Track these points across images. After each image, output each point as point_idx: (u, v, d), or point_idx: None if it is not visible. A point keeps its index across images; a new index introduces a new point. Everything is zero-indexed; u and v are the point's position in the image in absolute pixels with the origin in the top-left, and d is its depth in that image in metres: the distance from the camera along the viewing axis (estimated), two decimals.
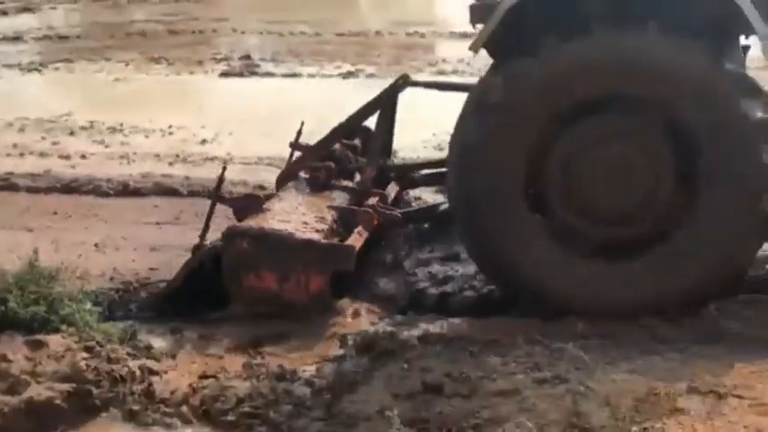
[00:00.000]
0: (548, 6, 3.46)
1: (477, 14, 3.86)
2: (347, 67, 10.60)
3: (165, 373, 3.34)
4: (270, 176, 6.18)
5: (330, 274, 3.75)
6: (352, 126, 4.55)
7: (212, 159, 6.81)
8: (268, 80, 10.27)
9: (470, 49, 3.68)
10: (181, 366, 3.44)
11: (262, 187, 5.69)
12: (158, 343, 3.64)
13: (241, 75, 10.48)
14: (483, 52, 3.74)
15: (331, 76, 10.33)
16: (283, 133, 6.77)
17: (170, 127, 7.83)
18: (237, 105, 8.72)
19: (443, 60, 11.07)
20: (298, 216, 4.03)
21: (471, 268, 4.17)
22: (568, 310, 3.61)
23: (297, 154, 4.62)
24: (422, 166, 5.21)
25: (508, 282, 3.75)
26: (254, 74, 10.54)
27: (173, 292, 3.91)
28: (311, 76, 10.34)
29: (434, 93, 5.29)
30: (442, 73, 10.24)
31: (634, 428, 2.78)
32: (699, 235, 3.60)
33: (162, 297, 3.98)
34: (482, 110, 3.60)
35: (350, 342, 3.53)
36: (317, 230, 3.92)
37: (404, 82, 4.40)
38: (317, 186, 4.37)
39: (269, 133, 7.25)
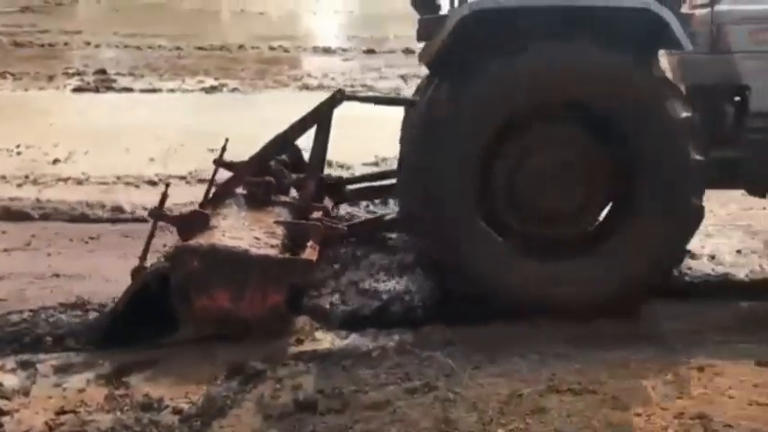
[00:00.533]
0: (489, 23, 3.60)
1: (424, 30, 3.97)
2: (210, 82, 10.42)
3: (17, 411, 3.10)
4: (128, 197, 5.96)
5: (287, 290, 3.66)
6: (286, 142, 4.45)
7: (66, 180, 6.44)
8: (125, 95, 9.91)
9: (421, 61, 3.91)
10: (35, 403, 3.20)
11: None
12: (9, 380, 3.37)
13: (96, 90, 10.05)
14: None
15: (193, 90, 10.10)
16: (142, 150, 6.54)
17: (18, 146, 7.35)
18: (92, 122, 8.33)
19: (308, 75, 11.12)
20: (247, 232, 3.86)
21: (405, 282, 4.24)
22: (518, 307, 3.76)
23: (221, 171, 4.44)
24: (356, 180, 5.32)
25: (465, 283, 3.83)
26: (110, 89, 10.13)
27: (115, 319, 3.61)
28: (171, 90, 10.07)
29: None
30: (306, 87, 10.29)
31: (500, 430, 2.88)
32: (632, 236, 3.85)
33: (103, 326, 3.66)
34: (429, 124, 3.75)
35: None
36: (272, 246, 3.77)
37: (340, 96, 4.38)
38: (258, 202, 4.20)
39: (127, 151, 6.98)
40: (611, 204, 4.06)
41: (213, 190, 4.27)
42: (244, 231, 3.87)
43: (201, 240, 3.68)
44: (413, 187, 3.85)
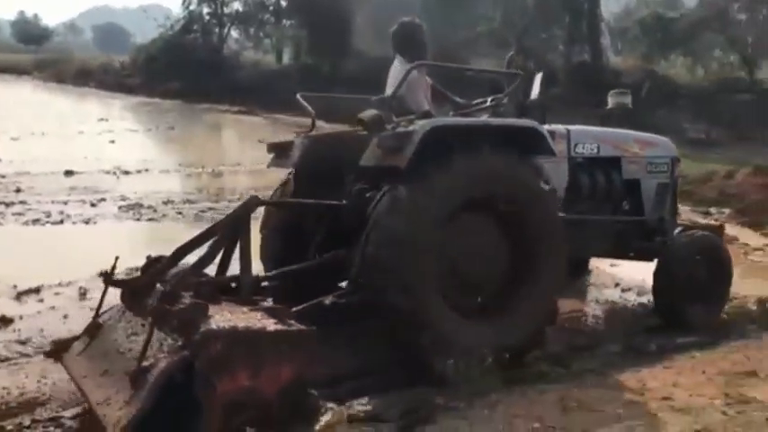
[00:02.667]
0: (443, 135, 4.55)
1: (277, 154, 5.43)
2: None
3: None
4: None
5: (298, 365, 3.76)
6: (194, 247, 4.62)
7: None
8: None
9: (399, 163, 4.43)
10: None
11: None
12: None
13: None
14: None
15: None
16: None
17: None
18: None
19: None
20: (243, 316, 3.94)
21: None
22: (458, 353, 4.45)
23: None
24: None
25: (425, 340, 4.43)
26: None
27: (141, 418, 3.45)
28: None
29: None
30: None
31: None
32: (524, 300, 4.79)
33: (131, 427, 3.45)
34: (393, 215, 4.42)
35: None
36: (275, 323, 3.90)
37: (256, 202, 4.71)
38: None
39: None
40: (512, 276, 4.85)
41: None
42: (238, 314, 3.95)
43: (216, 325, 3.70)
44: (385, 275, 4.36)
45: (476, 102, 5.66)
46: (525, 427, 3.67)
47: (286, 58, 38.41)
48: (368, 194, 4.85)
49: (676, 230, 6.16)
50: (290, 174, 5.60)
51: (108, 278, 4.47)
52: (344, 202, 5.08)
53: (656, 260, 5.84)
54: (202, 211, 10.29)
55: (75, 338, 4.49)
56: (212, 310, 3.91)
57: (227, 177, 13.83)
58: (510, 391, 4.27)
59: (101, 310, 4.44)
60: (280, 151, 5.51)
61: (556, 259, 4.84)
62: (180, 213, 10.12)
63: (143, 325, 4.08)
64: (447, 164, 4.52)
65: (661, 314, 5.82)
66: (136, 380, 3.58)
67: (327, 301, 4.73)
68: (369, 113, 4.86)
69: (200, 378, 3.52)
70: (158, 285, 4.35)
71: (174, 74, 32.76)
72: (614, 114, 6.62)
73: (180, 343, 3.68)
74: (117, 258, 4.44)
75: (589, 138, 5.78)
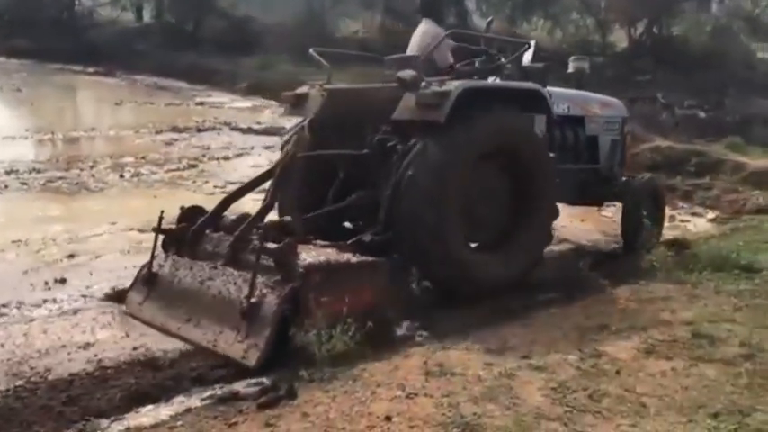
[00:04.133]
0: (470, 96, 5.25)
1: (293, 105, 6.19)
2: None
3: None
4: None
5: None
6: (238, 197, 5.37)
7: None
8: None
9: (438, 118, 5.09)
10: None
11: None
12: None
13: None
14: None
15: None
16: None
17: None
18: None
19: None
20: (318, 251, 4.68)
21: None
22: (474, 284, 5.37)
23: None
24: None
25: (448, 273, 5.30)
26: None
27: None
28: None
29: None
30: None
31: None
32: (521, 239, 5.72)
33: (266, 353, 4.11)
34: (425, 166, 5.13)
35: None
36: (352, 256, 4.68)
37: (299, 156, 5.22)
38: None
39: None
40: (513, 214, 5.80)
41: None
42: (318, 251, 4.64)
43: (313, 259, 4.41)
44: (417, 223, 5.11)
45: (477, 64, 6.37)
46: (387, 395, 3.62)
47: (147, 16, 36.31)
48: (389, 144, 5.56)
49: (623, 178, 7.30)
50: (302, 123, 5.93)
51: (158, 227, 5.13)
52: (366, 151, 5.74)
53: (616, 202, 7.35)
54: (50, 181, 9.48)
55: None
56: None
57: (80, 144, 12.90)
58: (376, 357, 4.22)
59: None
60: (295, 102, 6.14)
61: (550, 193, 5.83)
62: (25, 184, 9.29)
63: (214, 268, 4.69)
64: (472, 120, 5.24)
65: (625, 240, 6.97)
66: (250, 314, 4.20)
67: (366, 238, 5.29)
68: (407, 73, 5.34)
69: (305, 303, 4.17)
70: (207, 232, 4.99)
71: (21, 32, 30.18)
72: (573, 78, 7.44)
73: (278, 277, 4.29)
74: (163, 212, 5.18)
75: (563, 99, 6.61)
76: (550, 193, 5.84)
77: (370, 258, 4.65)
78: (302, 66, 21.62)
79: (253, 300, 4.23)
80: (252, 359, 4.08)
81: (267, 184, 5.38)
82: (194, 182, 9.75)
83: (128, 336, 4.70)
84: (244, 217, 5.00)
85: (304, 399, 3.63)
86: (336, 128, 5.75)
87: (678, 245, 6.78)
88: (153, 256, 5.13)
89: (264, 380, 3.99)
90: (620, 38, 22.29)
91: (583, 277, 6.17)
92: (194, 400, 3.82)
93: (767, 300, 5.26)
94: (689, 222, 8.91)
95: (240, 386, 3.94)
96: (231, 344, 4.22)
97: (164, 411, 3.74)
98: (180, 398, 3.88)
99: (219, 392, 3.88)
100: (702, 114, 14.94)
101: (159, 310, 4.84)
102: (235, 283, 4.50)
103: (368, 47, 20.26)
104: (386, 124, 5.65)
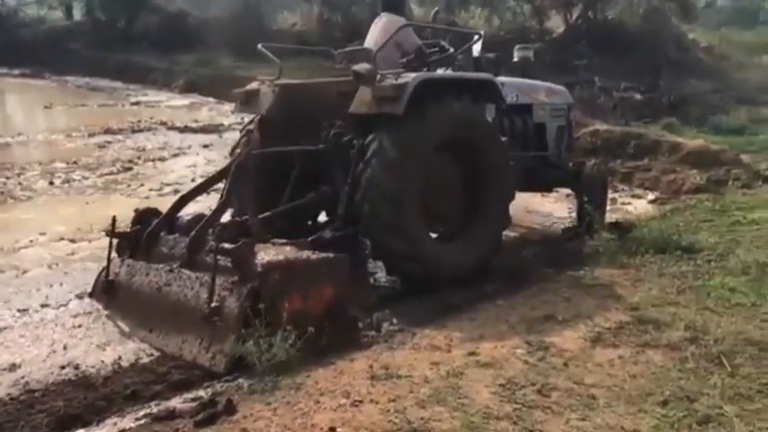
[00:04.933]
0: (426, 87, 5.26)
1: (243, 102, 6.11)
2: None
3: None
4: None
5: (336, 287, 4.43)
6: (191, 198, 5.36)
7: None
8: None
9: (396, 111, 5.08)
10: None
11: None
12: None
13: None
14: None
15: None
16: None
17: None
18: None
19: None
20: (276, 249, 4.61)
21: None
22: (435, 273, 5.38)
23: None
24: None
25: (413, 265, 5.31)
26: None
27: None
28: None
29: None
30: None
31: None
32: (480, 226, 5.79)
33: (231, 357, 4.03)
34: (383, 162, 5.12)
35: None
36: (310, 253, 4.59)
37: (253, 155, 5.19)
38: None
39: None
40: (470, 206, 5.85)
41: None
42: (276, 250, 4.59)
43: (271, 258, 4.35)
44: (378, 220, 5.14)
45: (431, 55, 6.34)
46: (331, 404, 3.48)
47: (77, 14, 35.11)
48: (345, 139, 5.54)
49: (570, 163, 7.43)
50: (253, 120, 6.05)
51: (111, 232, 5.02)
52: (321, 146, 5.67)
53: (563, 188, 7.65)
54: None
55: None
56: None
57: (6, 150, 12.34)
58: (319, 363, 4.07)
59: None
60: (246, 99, 6.08)
61: (506, 180, 5.90)
62: None
63: (171, 271, 4.62)
64: (429, 112, 5.24)
65: (579, 221, 7.01)
66: (212, 319, 4.13)
67: (327, 234, 5.25)
68: (363, 66, 5.31)
69: (267, 303, 4.05)
70: (162, 234, 4.96)
71: None
72: (518, 66, 7.56)
73: (237, 278, 4.20)
74: (115, 216, 5.09)
75: (513, 88, 6.65)
76: (506, 179, 5.90)
77: (330, 255, 4.58)
78: (240, 61, 21.29)
79: (213, 304, 4.16)
80: (220, 365, 4.01)
81: (220, 184, 5.34)
82: (129, 185, 9.40)
83: (56, 353, 4.44)
84: (199, 217, 4.95)
85: (243, 413, 3.46)
86: (289, 124, 5.76)
87: (620, 228, 6.81)
88: (108, 262, 5.05)
89: (202, 394, 3.81)
90: (556, 23, 22.51)
91: (527, 266, 6.13)
92: (128, 421, 3.61)
93: (709, 281, 5.29)
94: (629, 204, 8.99)
95: (177, 402, 3.75)
96: (197, 351, 4.16)
97: None
98: (113, 419, 3.66)
99: (155, 410, 3.67)
100: (639, 96, 15.16)
101: (122, 320, 4.81)
102: (192, 288, 4.45)
103: (306, 39, 20.02)
104: (340, 118, 5.62)
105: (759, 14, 31.68)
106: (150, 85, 22.07)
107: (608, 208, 7.87)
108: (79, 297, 5.41)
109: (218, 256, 4.28)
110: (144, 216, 5.18)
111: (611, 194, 8.72)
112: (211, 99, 19.62)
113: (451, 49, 6.30)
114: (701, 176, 9.54)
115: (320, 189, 5.66)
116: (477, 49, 6.48)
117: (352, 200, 5.28)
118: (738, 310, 4.72)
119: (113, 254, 5.11)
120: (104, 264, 5.13)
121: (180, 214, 5.18)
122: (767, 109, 14.99)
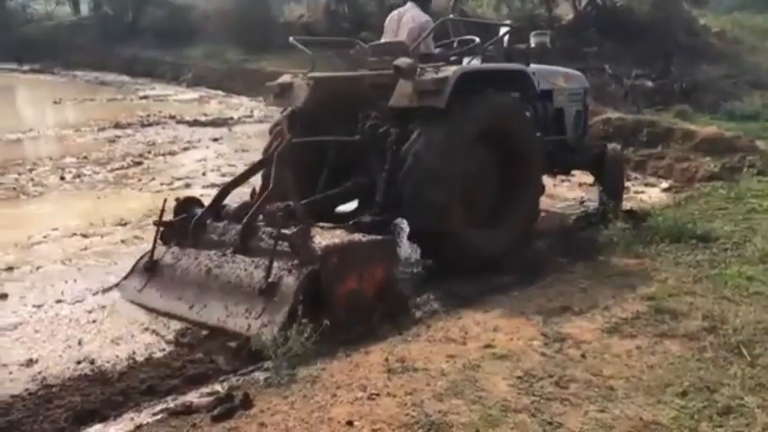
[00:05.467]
0: (467, 79, 5.43)
1: (278, 95, 6.33)
2: None
3: None
4: None
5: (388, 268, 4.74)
6: (235, 186, 5.56)
7: None
8: None
9: (438, 104, 5.25)
10: None
11: None
12: None
13: None
14: None
15: None
16: None
17: None
18: None
19: None
20: (329, 233, 4.78)
21: None
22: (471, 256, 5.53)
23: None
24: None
25: (454, 248, 5.46)
26: None
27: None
28: None
29: None
30: None
31: None
32: (515, 212, 5.99)
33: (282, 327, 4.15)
34: (431, 152, 5.29)
35: None
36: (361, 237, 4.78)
37: (293, 143, 5.32)
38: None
39: None
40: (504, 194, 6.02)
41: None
42: (329, 234, 4.76)
43: (328, 242, 4.53)
44: (424, 205, 5.28)
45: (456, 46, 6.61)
46: (348, 398, 3.47)
47: (84, 9, 35.14)
48: (381, 130, 5.78)
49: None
50: (285, 112, 6.14)
51: (158, 220, 5.28)
52: (358, 137, 5.93)
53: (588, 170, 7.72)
54: None
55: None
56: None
57: (17, 146, 12.36)
58: (334, 356, 4.06)
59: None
60: (280, 91, 6.30)
61: (538, 169, 6.21)
62: None
63: (223, 255, 4.84)
64: (469, 103, 5.42)
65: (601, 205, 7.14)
66: (268, 293, 4.35)
67: (366, 219, 5.46)
68: (404, 61, 5.42)
69: (325, 284, 4.34)
70: (209, 222, 5.17)
71: None
72: (535, 52, 7.41)
73: (296, 261, 4.44)
74: (165, 201, 5.40)
75: (535, 75, 6.62)
76: (537, 168, 6.20)
77: (380, 237, 4.85)
78: (248, 53, 21.27)
79: (271, 280, 4.40)
80: (269, 333, 4.12)
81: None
82: (140, 180, 9.40)
83: (71, 348, 4.45)
84: (246, 205, 5.19)
85: (260, 407, 3.45)
86: (323, 115, 5.93)
87: (635, 217, 6.75)
88: (154, 247, 5.29)
89: (218, 388, 3.80)
90: (565, 10, 22.32)
91: (541, 256, 6.09)
92: (145, 416, 3.60)
93: (726, 270, 5.24)
94: (643, 193, 8.91)
95: (193, 397, 3.74)
96: (244, 321, 4.36)
97: (112, 430, 3.52)
98: (130, 414, 3.66)
99: (172, 405, 3.67)
100: (650, 83, 15.01)
101: (161, 297, 4.98)
102: (246, 270, 4.66)
103: (313, 31, 19.96)
104: (374, 110, 5.88)
105: None
106: (158, 78, 22.06)
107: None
108: (93, 293, 5.41)
109: (278, 241, 4.51)
110: (186, 205, 5.38)
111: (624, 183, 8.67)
112: (220, 92, 19.60)
113: (477, 40, 6.42)
114: (715, 164, 9.44)
115: (356, 179, 5.93)
116: (504, 39, 6.66)
117: (390, 188, 5.51)
118: (757, 299, 4.67)
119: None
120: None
121: (225, 202, 5.40)
122: None
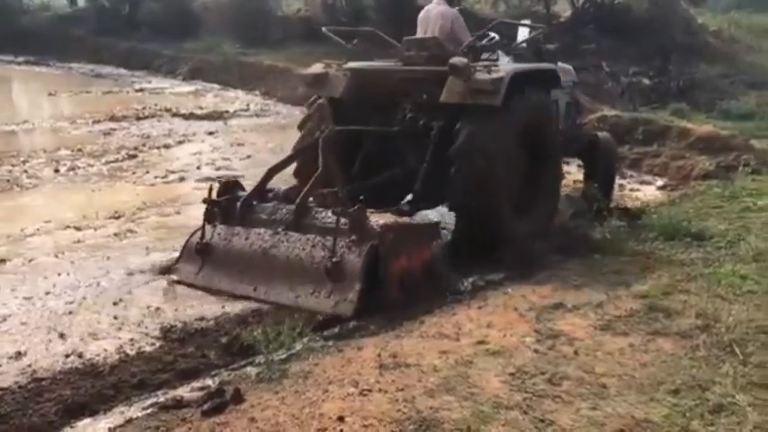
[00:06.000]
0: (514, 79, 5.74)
1: (312, 85, 6.55)
2: None
3: None
4: None
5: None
6: (279, 170, 5.81)
7: None
8: None
9: (495, 103, 5.55)
10: None
11: None
12: None
13: None
14: None
15: None
16: None
17: None
18: None
19: None
20: (378, 215, 5.01)
21: None
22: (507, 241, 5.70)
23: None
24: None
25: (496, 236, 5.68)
26: None
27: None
28: None
29: None
30: None
31: None
32: (543, 198, 6.39)
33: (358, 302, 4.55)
34: (479, 139, 5.56)
35: None
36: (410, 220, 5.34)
37: (336, 132, 5.56)
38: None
39: None
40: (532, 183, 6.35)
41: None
42: (382, 216, 5.01)
43: (385, 222, 4.84)
44: (473, 196, 5.55)
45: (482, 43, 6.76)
46: (340, 393, 3.45)
47: (81, 1, 34.95)
48: (421, 123, 6.13)
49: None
50: (317, 102, 6.13)
51: (208, 198, 5.51)
52: (396, 128, 6.23)
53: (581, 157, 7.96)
54: None
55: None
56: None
57: (11, 138, 12.28)
58: (327, 351, 4.05)
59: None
60: (314, 81, 6.48)
61: (558, 160, 6.70)
62: None
63: (276, 233, 5.11)
64: (515, 102, 5.69)
65: (600, 188, 7.19)
66: (335, 272, 4.63)
67: (405, 207, 5.77)
68: (460, 60, 5.71)
69: (383, 259, 4.65)
70: (255, 203, 5.42)
71: None
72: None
73: (355, 238, 4.73)
74: (211, 184, 5.71)
75: None
76: (559, 157, 6.73)
77: (428, 221, 5.35)
78: (244, 47, 21.18)
79: (335, 259, 4.63)
80: (348, 311, 4.49)
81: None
82: (134, 173, 9.35)
83: (62, 341, 4.43)
84: (295, 188, 5.52)
85: (251, 402, 3.44)
86: (359, 105, 6.17)
87: (629, 215, 6.75)
88: (204, 227, 5.44)
89: (209, 382, 3.79)
90: (563, 7, 22.31)
91: (536, 253, 6.07)
92: (135, 410, 3.59)
93: (720, 268, 5.24)
94: (638, 191, 8.91)
95: (184, 391, 3.73)
96: (317, 301, 4.64)
97: (103, 424, 3.50)
98: (120, 407, 3.64)
99: (162, 399, 3.66)
100: (647, 81, 15.00)
101: (222, 278, 5.18)
102: (304, 248, 4.92)
103: (311, 25, 19.84)
104: (410, 103, 6.23)
105: None
106: (154, 71, 21.96)
107: (616, 193, 7.80)
108: (86, 285, 5.39)
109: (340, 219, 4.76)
110: (228, 187, 5.67)
111: (619, 181, 8.66)
112: (216, 86, 19.52)
113: (496, 37, 6.70)
114: (710, 162, 9.43)
115: (391, 170, 6.26)
116: (520, 37, 6.94)
117: (429, 178, 5.86)
118: (750, 298, 4.67)
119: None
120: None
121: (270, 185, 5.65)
122: None
